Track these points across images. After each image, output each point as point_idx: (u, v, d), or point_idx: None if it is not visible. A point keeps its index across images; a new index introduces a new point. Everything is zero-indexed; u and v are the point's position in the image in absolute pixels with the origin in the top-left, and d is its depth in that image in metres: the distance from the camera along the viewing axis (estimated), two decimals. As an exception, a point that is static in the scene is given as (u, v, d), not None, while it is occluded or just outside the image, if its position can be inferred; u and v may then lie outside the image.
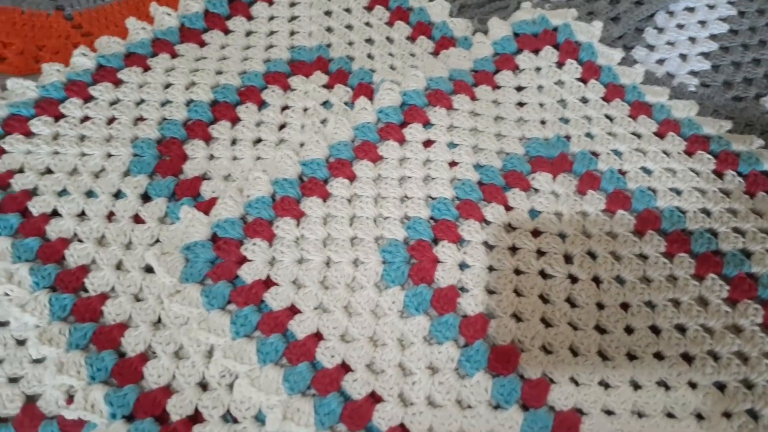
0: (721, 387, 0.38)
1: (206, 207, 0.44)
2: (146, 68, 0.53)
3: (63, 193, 0.46)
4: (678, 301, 0.41)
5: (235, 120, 0.51)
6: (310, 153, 0.47)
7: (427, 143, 0.48)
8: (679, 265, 0.42)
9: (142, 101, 0.51)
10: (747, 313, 0.40)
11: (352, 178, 0.46)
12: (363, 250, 0.42)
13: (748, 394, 0.37)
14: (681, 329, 0.40)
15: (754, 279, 0.42)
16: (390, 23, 0.58)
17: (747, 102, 0.53)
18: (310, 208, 0.44)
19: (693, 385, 0.38)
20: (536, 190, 0.46)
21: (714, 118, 0.51)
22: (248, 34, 0.58)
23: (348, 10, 0.59)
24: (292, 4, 0.60)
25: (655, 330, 0.40)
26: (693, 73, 0.55)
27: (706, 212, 0.45)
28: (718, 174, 0.47)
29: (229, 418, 0.36)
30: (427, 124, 0.49)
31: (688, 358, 0.39)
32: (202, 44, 0.56)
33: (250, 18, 0.58)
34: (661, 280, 0.42)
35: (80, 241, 0.44)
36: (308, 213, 0.44)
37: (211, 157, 0.49)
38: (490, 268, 0.42)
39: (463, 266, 0.42)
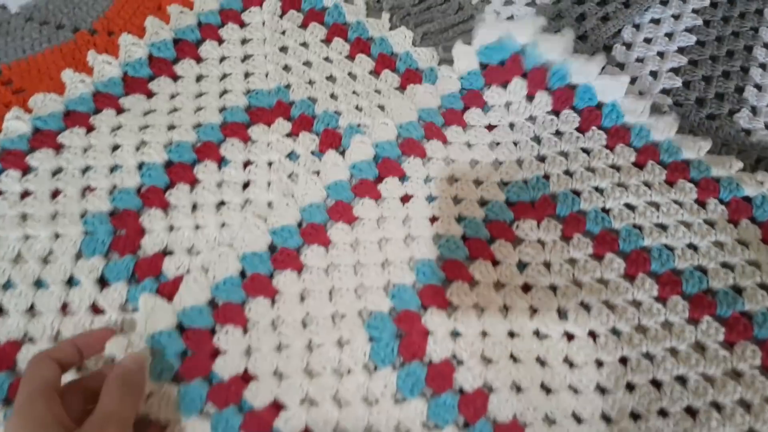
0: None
1: (171, 289, 0.40)
2: (89, 128, 0.48)
3: (7, 285, 0.41)
4: (676, 349, 0.39)
5: (193, 182, 0.46)
6: (280, 219, 0.43)
7: (405, 198, 0.44)
8: (673, 310, 0.40)
9: (89, 168, 0.46)
10: (745, 355, 0.39)
11: (327, 244, 0.42)
12: (347, 328, 0.39)
13: (754, 446, 0.35)
14: (681, 380, 0.38)
15: (749, 317, 0.40)
16: (351, 56, 0.54)
17: (721, 120, 0.51)
18: (284, 284, 0.40)
19: None
20: (522, 240, 0.43)
21: (693, 137, 0.48)
22: (199, 78, 0.52)
23: (305, 45, 0.55)
24: (244, 41, 0.55)
25: (656, 383, 0.38)
26: (665, 91, 0.53)
27: (694, 247, 0.43)
28: (701, 203, 0.45)
29: None
30: (402, 177, 0.45)
31: (691, 411, 0.37)
32: (150, 95, 0.51)
33: (199, 60, 0.53)
34: (657, 329, 0.40)
35: (32, 341, 0.39)
36: (282, 290, 0.40)
37: (171, 228, 0.44)
38: (483, 334, 0.39)
39: (455, 334, 0.39)
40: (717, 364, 0.39)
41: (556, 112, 0.50)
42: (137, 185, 0.46)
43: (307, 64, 0.54)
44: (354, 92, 0.52)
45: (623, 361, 0.39)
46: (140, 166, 0.47)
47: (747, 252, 0.43)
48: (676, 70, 0.54)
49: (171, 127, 0.49)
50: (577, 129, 0.49)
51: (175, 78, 0.52)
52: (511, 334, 0.40)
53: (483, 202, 0.45)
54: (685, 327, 0.40)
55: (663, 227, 0.44)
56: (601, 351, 0.39)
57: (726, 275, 0.42)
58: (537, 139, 0.49)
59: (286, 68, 0.53)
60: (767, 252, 0.43)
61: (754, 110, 0.52)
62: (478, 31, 0.50)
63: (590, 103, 0.48)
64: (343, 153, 0.47)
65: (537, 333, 0.40)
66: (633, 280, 0.42)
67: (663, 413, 0.38)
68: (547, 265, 0.43)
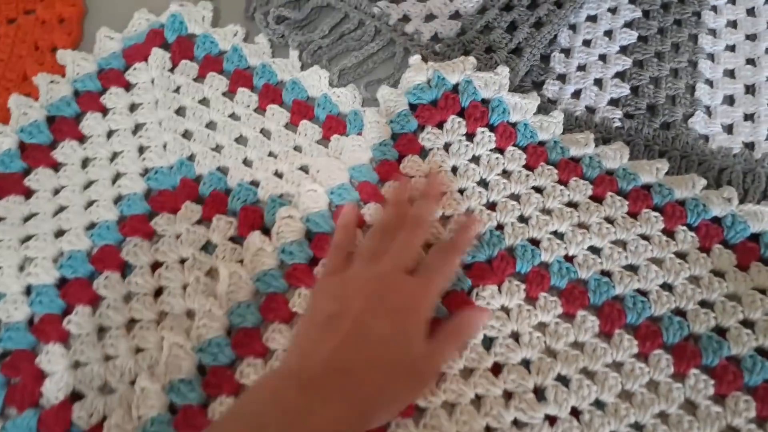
0: None
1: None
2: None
3: None
4: (665, 413, 0.37)
5: (95, 301, 0.40)
6: (207, 331, 0.38)
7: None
8: (656, 367, 0.38)
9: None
10: (738, 409, 0.37)
11: (264, 354, 0.38)
12: None
13: None
14: None
15: (736, 363, 0.38)
16: (261, 108, 0.49)
17: (677, 127, 0.48)
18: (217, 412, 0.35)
19: None
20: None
21: (648, 162, 0.46)
22: (85, 163, 0.46)
23: (205, 102, 0.49)
24: (133, 108, 0.48)
25: None
26: (613, 102, 0.50)
27: (669, 287, 0.41)
28: (669, 233, 0.43)
29: None
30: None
31: None
32: (28, 194, 0.44)
33: (82, 139, 0.47)
34: (643, 392, 0.37)
35: None
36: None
37: (76, 364, 0.38)
38: (456, 433, 0.36)
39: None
40: (711, 423, 0.37)
41: (500, 150, 0.46)
42: (27, 317, 0.40)
43: (211, 125, 0.48)
44: (271, 154, 0.47)
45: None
46: (26, 290, 0.40)
47: (724, 284, 0.41)
48: (621, 75, 0.52)
49: (59, 234, 0.42)
50: (525, 166, 0.45)
51: (56, 167, 0.46)
52: (488, 429, 0.36)
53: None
54: (672, 386, 0.38)
55: (633, 269, 0.42)
56: (587, 430, 0.36)
57: (706, 316, 0.40)
58: (484, 184, 0.45)
59: (187, 135, 0.48)
60: (744, 280, 0.41)
61: (708, 111, 0.50)
62: (403, 75, 0.45)
63: (532, 140, 0.45)
64: (268, 233, 0.42)
65: (516, 422, 0.36)
66: (610, 338, 0.40)
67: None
68: (516, 336, 0.39)
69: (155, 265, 0.42)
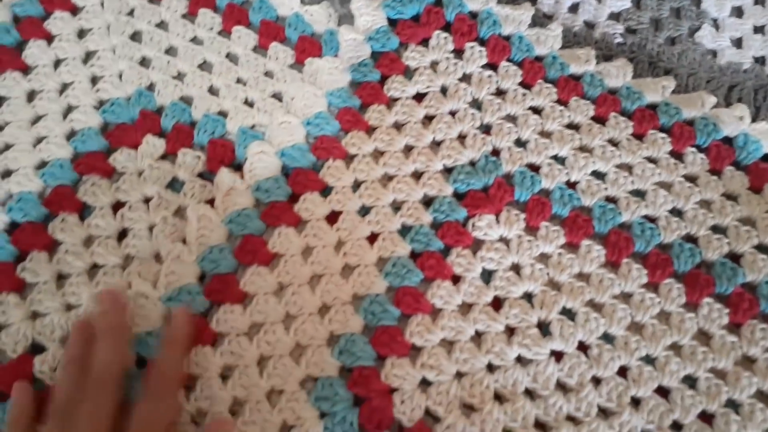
0: (749, 443, 0.33)
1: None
2: None
3: None
4: (678, 345, 0.35)
5: (50, 246, 0.37)
6: (176, 280, 0.35)
7: (331, 217, 0.37)
8: (667, 297, 0.37)
9: None
10: (755, 337, 0.36)
11: (242, 299, 0.36)
12: (288, 408, 0.34)
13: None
14: (690, 381, 0.35)
15: (752, 290, 0.37)
16: (226, 31, 0.45)
17: (682, 42, 0.46)
18: (198, 366, 0.33)
19: None
20: (481, 242, 0.38)
21: (653, 79, 0.43)
22: (31, 96, 0.42)
23: (163, 25, 0.45)
24: (82, 34, 0.44)
25: (662, 392, 0.34)
26: (614, 15, 0.47)
27: (678, 213, 0.39)
28: (678, 155, 0.41)
29: None
30: (323, 189, 0.38)
31: (706, 417, 0.34)
32: (-34, 131, 0.40)
33: (26, 70, 0.43)
34: (654, 324, 0.36)
35: None
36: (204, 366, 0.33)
37: (34, 315, 0.35)
38: (458, 375, 0.34)
39: (425, 384, 0.34)
40: (726, 354, 0.36)
41: (492, 66, 0.43)
42: (-25, 267, 0.36)
43: (171, 51, 0.45)
44: (239, 80, 0.43)
45: (622, 372, 0.35)
46: (-26, 238, 0.37)
47: (737, 208, 0.40)
48: (622, -20, 0.48)
49: (5, 174, 0.39)
50: (521, 84, 0.43)
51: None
52: (491, 367, 0.34)
53: (428, 201, 0.39)
54: (684, 316, 0.36)
55: (640, 194, 0.40)
56: (596, 366, 0.35)
57: (719, 242, 0.39)
58: (477, 104, 0.42)
59: (144, 62, 0.44)
60: (758, 203, 0.39)
61: (716, 24, 0.47)
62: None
63: (528, 54, 0.42)
64: (239, 168, 0.39)
65: (520, 359, 0.35)
66: (617, 268, 0.38)
67: (677, 426, 0.34)
68: (516, 268, 0.37)
69: (117, 206, 0.39)
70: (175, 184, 0.40)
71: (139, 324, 0.35)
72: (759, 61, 0.46)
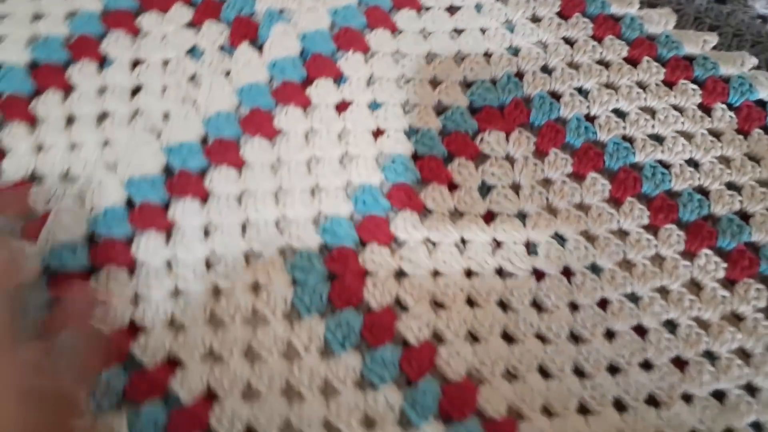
0: (720, 396, 0.32)
1: (36, 230, 0.33)
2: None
3: None
4: (666, 289, 0.35)
5: (67, 88, 0.39)
6: (179, 134, 0.36)
7: (342, 105, 0.38)
8: (665, 242, 0.36)
9: None
10: (748, 296, 0.35)
11: (239, 164, 0.36)
12: (263, 270, 0.33)
13: (752, 403, 0.32)
14: (671, 326, 0.34)
15: (755, 250, 0.36)
16: None
17: (733, 3, 0.44)
18: (182, 216, 0.34)
19: (687, 398, 0.32)
20: (486, 156, 0.37)
21: (695, 32, 0.42)
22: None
23: None
24: None
25: (640, 331, 0.34)
26: (665, -31, 0.46)
27: (695, 164, 0.38)
28: (706, 109, 0.40)
29: None
30: (338, 78, 0.39)
31: (679, 363, 0.33)
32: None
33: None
34: (646, 264, 0.35)
35: None
36: (181, 223, 0.34)
37: (40, 147, 0.37)
38: (435, 273, 0.34)
39: (399, 275, 0.34)
40: (715, 306, 0.35)
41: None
42: (-9, 93, 0.38)
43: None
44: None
45: (603, 304, 0.34)
46: (-4, 66, 0.39)
47: (758, 170, 0.39)
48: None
49: (35, 17, 0.40)
50: (558, 14, 0.42)
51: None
52: (469, 273, 0.34)
53: (441, 109, 0.39)
54: (679, 263, 0.36)
55: (659, 139, 0.39)
56: (577, 292, 0.34)
57: (731, 199, 0.38)
58: (510, 26, 0.42)
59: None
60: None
61: (774, -8, 0.46)
62: None
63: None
64: (260, 47, 0.40)
65: (499, 271, 0.35)
66: (619, 205, 0.37)
67: (647, 365, 0.33)
68: (516, 188, 0.37)
69: (135, 63, 0.40)
70: (195, 52, 0.41)
71: (136, 168, 0.35)
72: (811, 34, 0.44)
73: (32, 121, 0.38)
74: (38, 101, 0.39)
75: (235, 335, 0.33)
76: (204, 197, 0.36)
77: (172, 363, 0.32)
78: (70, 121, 0.39)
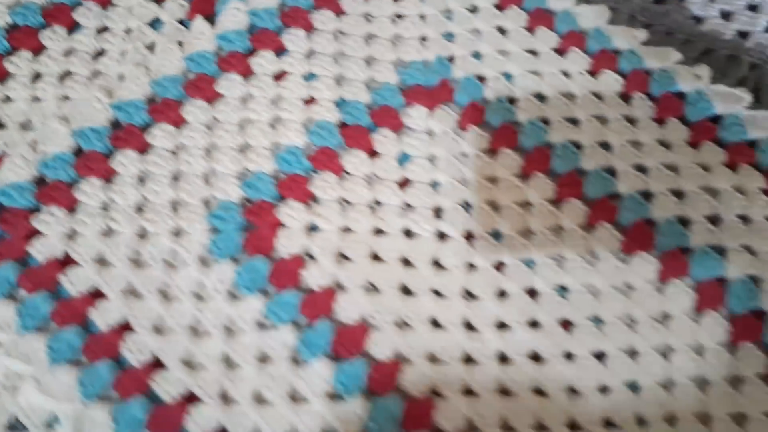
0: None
1: (-5, 167, 0.38)
2: None
3: None
4: (563, 257, 0.38)
5: (38, 49, 0.44)
6: (127, 92, 0.40)
7: (279, 75, 0.42)
8: (568, 214, 0.39)
9: None
10: (641, 269, 0.37)
11: (179, 123, 0.40)
12: (186, 217, 0.37)
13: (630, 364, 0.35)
14: (563, 290, 0.37)
15: (651, 224, 0.39)
16: None
17: (669, 3, 0.47)
18: (121, 164, 0.38)
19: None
20: (410, 129, 0.41)
21: (627, 28, 0.45)
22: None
23: None
24: None
25: (532, 293, 0.37)
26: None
27: (606, 145, 0.41)
28: (625, 97, 0.43)
29: (18, 425, 0.32)
30: (280, 51, 0.42)
31: (566, 324, 0.36)
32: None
33: None
34: (544, 233, 0.39)
35: None
36: (119, 171, 0.38)
37: (6, 99, 0.42)
38: (345, 230, 0.38)
39: (312, 230, 0.37)
40: (606, 276, 0.37)
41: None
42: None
43: None
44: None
45: (499, 267, 0.37)
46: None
47: (667, 154, 0.41)
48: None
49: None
50: (496, 5, 0.46)
51: None
52: (378, 232, 0.38)
53: (371, 84, 0.43)
54: (576, 233, 0.38)
55: (574, 122, 0.42)
56: (476, 254, 0.37)
57: (637, 178, 0.40)
58: (448, 14, 0.45)
59: None
60: (692, 155, 0.41)
61: (712, -5, 0.48)
62: None
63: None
64: (213, 21, 0.44)
65: (407, 232, 0.38)
66: (527, 179, 0.40)
67: (534, 324, 0.36)
68: (432, 159, 0.41)
69: (102, 30, 0.44)
70: (156, 24, 0.45)
71: (86, 121, 0.40)
72: (742, 35, 0.47)
73: (3, 77, 0.43)
74: (11, 59, 0.43)
75: (154, 275, 0.36)
76: (143, 150, 0.40)
77: (95, 295, 0.36)
78: (36, 77, 0.43)
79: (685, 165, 0.41)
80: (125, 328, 0.35)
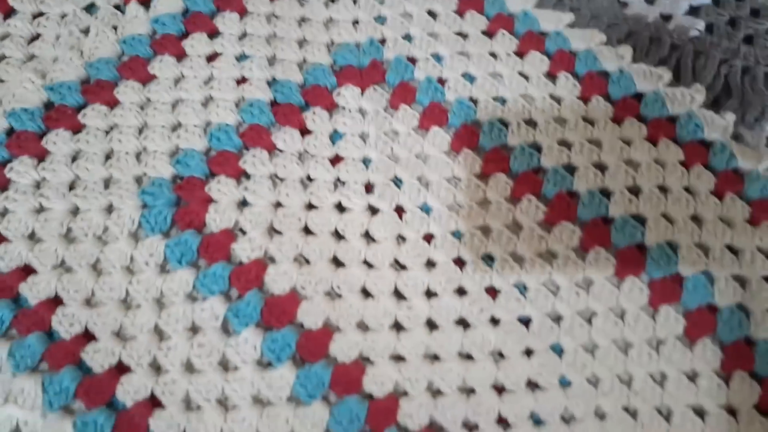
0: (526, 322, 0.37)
1: None
2: None
3: None
4: (489, 228, 0.39)
5: (-29, 37, 0.44)
6: (60, 75, 0.41)
7: (212, 57, 0.43)
8: (494, 187, 0.41)
9: None
10: (563, 237, 0.39)
11: (112, 103, 0.41)
12: (118, 194, 0.38)
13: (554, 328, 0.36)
14: (489, 259, 0.38)
15: (571, 196, 0.40)
16: None
17: (596, -10, 0.49)
18: (54, 143, 0.39)
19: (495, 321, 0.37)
20: (342, 108, 0.42)
21: (553, 11, 0.47)
22: None
23: None
24: None
25: (460, 262, 0.38)
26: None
27: (533, 124, 0.43)
28: (551, 76, 0.44)
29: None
30: (213, 33, 0.44)
31: (493, 290, 0.38)
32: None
33: None
34: (472, 206, 0.40)
35: None
36: (52, 150, 0.39)
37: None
38: (277, 204, 0.39)
39: (242, 205, 0.38)
40: (530, 243, 0.39)
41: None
42: None
43: None
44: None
45: (428, 238, 0.39)
46: None
47: (591, 130, 0.43)
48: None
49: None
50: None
51: None
52: (309, 206, 0.39)
53: (304, 65, 0.44)
54: (502, 204, 0.40)
55: (502, 101, 0.44)
56: (405, 227, 0.39)
57: (560, 153, 0.42)
58: (382, -1, 0.47)
59: None
60: (612, 131, 0.43)
61: (635, -21, 0.50)
62: None
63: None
64: (148, 5, 0.45)
65: (339, 206, 0.39)
66: (456, 155, 0.42)
67: (461, 292, 0.38)
68: (364, 137, 0.42)
69: (36, 15, 0.45)
70: (91, 9, 0.46)
71: (19, 102, 0.40)
72: (665, 18, 0.49)
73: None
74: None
75: (86, 250, 0.37)
76: (76, 128, 0.41)
77: (27, 270, 0.37)
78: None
79: (608, 140, 0.42)
80: (56, 302, 0.35)
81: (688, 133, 0.43)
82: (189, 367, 0.35)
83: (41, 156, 0.39)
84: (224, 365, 0.35)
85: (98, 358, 0.34)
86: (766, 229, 0.40)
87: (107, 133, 0.41)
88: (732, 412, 0.36)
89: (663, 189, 0.41)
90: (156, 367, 0.35)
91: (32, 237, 0.37)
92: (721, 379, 0.36)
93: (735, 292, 0.38)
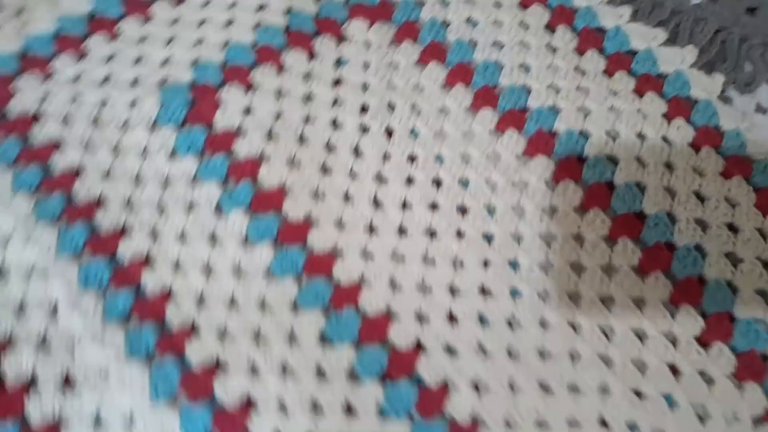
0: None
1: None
2: None
3: None
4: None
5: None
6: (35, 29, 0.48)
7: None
8: (481, 122, 0.45)
9: None
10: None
11: (147, 17, 0.48)
12: (141, 90, 0.44)
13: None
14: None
15: (552, 135, 0.44)
16: None
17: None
18: (97, 47, 0.46)
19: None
20: (347, 39, 0.48)
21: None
22: None
23: None
24: None
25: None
26: None
27: (526, 68, 0.47)
28: (550, 28, 0.49)
29: None
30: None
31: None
32: None
33: None
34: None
35: None
36: (93, 53, 0.46)
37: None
38: (278, 115, 0.44)
39: (247, 112, 0.44)
40: (509, 175, 0.43)
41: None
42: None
43: None
44: None
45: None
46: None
47: (581, 78, 0.46)
48: None
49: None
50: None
51: None
52: (306, 119, 0.45)
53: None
54: (492, 139, 0.44)
55: (498, 45, 0.48)
56: (390, 145, 0.44)
57: (548, 94, 0.46)
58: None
59: None
60: (601, 82, 0.46)
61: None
62: None
63: None
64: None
65: (334, 123, 0.45)
66: (450, 88, 0.46)
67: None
68: (366, 65, 0.47)
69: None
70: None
71: (66, 10, 0.48)
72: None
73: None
74: None
75: (107, 135, 0.44)
76: (113, 36, 0.47)
77: (56, 145, 0.43)
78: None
79: (595, 89, 0.46)
80: (78, 173, 0.42)
81: (674, 89, 0.46)
82: (182, 237, 0.41)
83: (82, 55, 0.46)
84: (212, 239, 0.40)
85: (106, 219, 0.40)
86: (736, 182, 0.43)
87: (139, 41, 0.47)
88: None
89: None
90: (154, 235, 0.40)
91: (66, 121, 0.43)
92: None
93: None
